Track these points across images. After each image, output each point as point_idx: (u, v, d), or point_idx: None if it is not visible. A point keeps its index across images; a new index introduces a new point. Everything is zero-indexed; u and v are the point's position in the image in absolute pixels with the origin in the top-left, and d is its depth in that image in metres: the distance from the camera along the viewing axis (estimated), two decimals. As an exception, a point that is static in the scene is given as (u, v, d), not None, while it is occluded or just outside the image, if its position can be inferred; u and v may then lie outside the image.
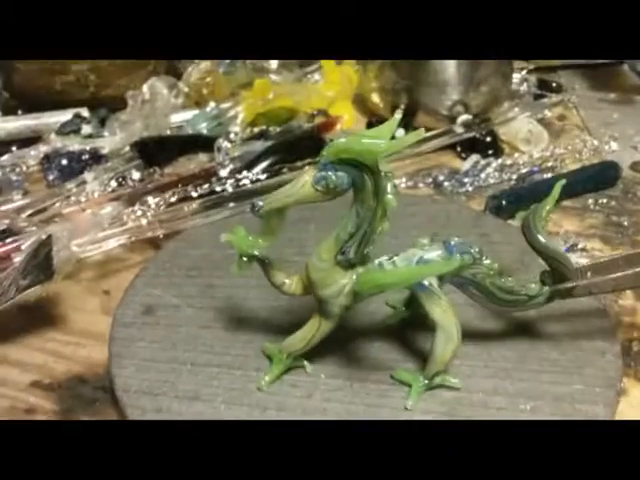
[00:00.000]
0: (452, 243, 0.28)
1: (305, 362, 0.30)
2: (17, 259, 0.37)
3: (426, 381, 0.29)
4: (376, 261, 0.27)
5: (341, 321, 0.29)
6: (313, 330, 0.28)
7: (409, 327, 0.32)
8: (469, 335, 0.31)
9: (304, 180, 0.24)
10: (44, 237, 0.36)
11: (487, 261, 0.28)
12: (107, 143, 0.50)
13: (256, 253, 0.28)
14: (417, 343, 0.32)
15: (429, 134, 0.50)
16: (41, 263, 0.34)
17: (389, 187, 0.24)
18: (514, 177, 0.47)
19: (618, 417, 0.29)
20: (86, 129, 0.53)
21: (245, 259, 0.28)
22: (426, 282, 0.27)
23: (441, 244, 0.28)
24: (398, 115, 0.25)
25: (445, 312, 0.27)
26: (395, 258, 0.27)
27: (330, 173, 0.24)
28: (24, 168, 0.50)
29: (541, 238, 0.28)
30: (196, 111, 0.55)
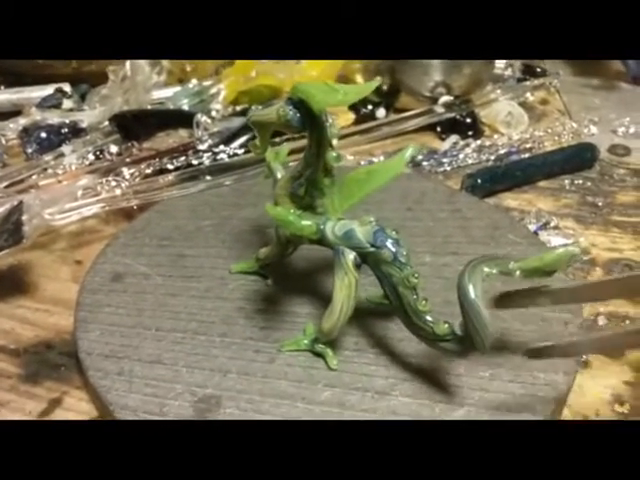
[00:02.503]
0: (386, 232, 0.26)
1: (270, 277, 0.34)
2: (-11, 226, 0.37)
3: (309, 342, 0.29)
4: (322, 217, 0.28)
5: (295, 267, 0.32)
6: (269, 250, 0.32)
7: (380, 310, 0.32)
8: (434, 305, 0.31)
9: (277, 105, 0.26)
10: (15, 203, 0.36)
11: (408, 270, 0.26)
12: (86, 117, 0.50)
13: (276, 172, 0.31)
14: (375, 324, 0.31)
15: (410, 113, 0.50)
16: (11, 228, 0.35)
17: (334, 144, 0.26)
18: (492, 158, 0.47)
19: (577, 389, 0.29)
20: (67, 104, 0.53)
21: (267, 170, 0.32)
22: (347, 255, 0.26)
23: (377, 228, 0.26)
24: (375, 82, 0.26)
25: (341, 289, 0.27)
26: (338, 222, 0.27)
27: (288, 107, 0.25)
28: (3, 141, 0.50)
29: (470, 290, 0.23)
30: (178, 88, 0.54)
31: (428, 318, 0.26)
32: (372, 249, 0.26)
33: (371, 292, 0.31)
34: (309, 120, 0.25)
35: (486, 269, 0.24)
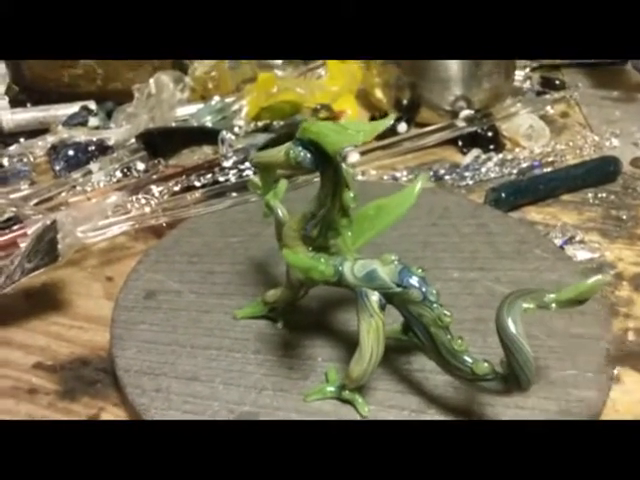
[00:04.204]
0: (411, 271, 0.25)
1: (279, 320, 0.33)
2: (23, 244, 0.38)
3: (335, 389, 0.28)
4: (338, 257, 0.27)
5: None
6: (279, 293, 0.31)
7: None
8: (465, 321, 0.32)
9: (285, 146, 0.25)
10: (49, 222, 0.37)
11: (439, 309, 0.25)
12: (113, 134, 0.51)
13: (277, 210, 0.30)
14: (397, 356, 0.30)
15: (431, 128, 0.51)
16: (46, 247, 0.35)
17: (350, 184, 0.24)
18: (514, 171, 0.47)
19: (611, 404, 0.29)
20: (93, 121, 0.54)
21: (267, 209, 0.30)
22: (371, 296, 0.26)
23: (401, 267, 0.25)
24: (389, 120, 0.26)
25: (369, 332, 0.26)
26: (357, 262, 0.26)
27: (298, 148, 0.24)
28: (31, 158, 0.51)
29: (511, 326, 0.23)
30: (201, 105, 0.55)
31: (466, 358, 0.25)
32: (399, 289, 0.25)
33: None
34: (322, 161, 0.24)
35: (524, 305, 0.23)
